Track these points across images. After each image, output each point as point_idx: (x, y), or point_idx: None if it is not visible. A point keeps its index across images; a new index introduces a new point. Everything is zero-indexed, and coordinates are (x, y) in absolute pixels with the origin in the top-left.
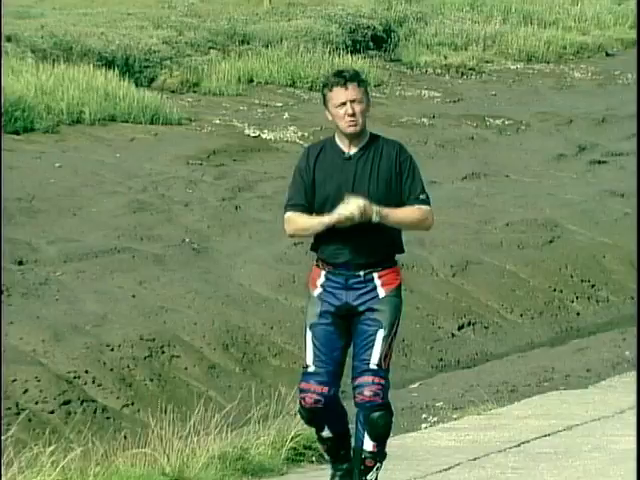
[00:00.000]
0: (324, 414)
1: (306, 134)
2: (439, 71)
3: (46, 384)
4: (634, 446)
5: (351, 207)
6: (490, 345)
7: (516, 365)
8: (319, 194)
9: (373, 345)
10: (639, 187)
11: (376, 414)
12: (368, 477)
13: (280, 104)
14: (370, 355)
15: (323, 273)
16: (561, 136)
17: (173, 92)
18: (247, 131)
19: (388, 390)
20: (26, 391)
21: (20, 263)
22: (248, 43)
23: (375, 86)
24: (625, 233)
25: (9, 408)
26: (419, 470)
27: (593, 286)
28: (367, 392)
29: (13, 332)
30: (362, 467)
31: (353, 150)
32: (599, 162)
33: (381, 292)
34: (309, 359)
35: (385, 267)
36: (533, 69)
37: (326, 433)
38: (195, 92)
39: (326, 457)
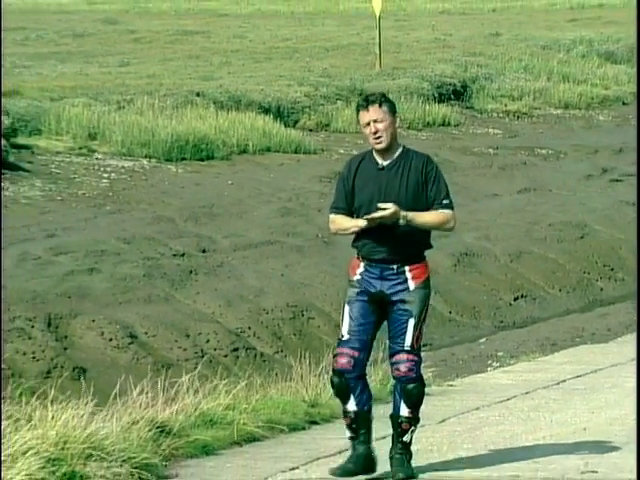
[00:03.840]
0: (353, 378)
1: None
2: (501, 115)
3: (221, 336)
4: None
5: (381, 212)
6: (537, 311)
7: (556, 326)
8: (358, 199)
9: (405, 332)
10: (638, 198)
11: (411, 386)
12: (404, 438)
13: None
14: (404, 339)
15: (362, 264)
16: (589, 162)
17: (311, 130)
18: None
19: (420, 365)
20: (208, 341)
21: (204, 251)
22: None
23: (455, 126)
24: (635, 232)
25: (196, 352)
26: (485, 400)
27: (612, 269)
28: (403, 368)
29: (199, 300)
30: (399, 430)
31: (386, 162)
32: (617, 180)
33: (411, 285)
34: (344, 330)
35: (415, 262)
36: (569, 114)
37: (351, 406)
38: (326, 130)
39: (347, 434)
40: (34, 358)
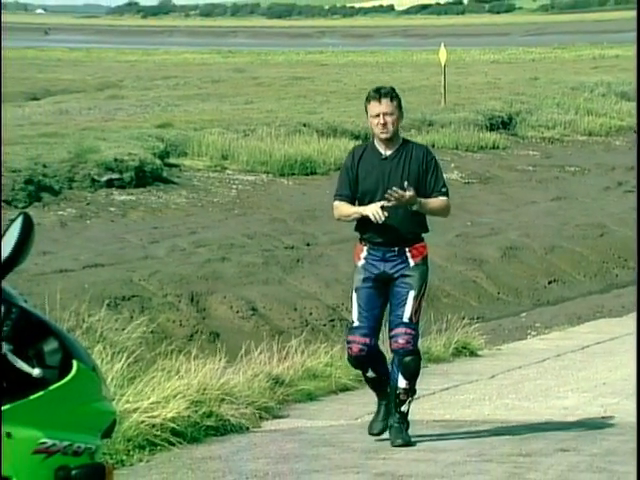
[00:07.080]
0: (367, 360)
1: (464, 175)
2: (538, 140)
3: (321, 310)
4: None
5: (402, 192)
6: (566, 293)
7: (581, 304)
8: (362, 187)
9: (405, 303)
10: (638, 205)
11: (408, 358)
12: (402, 408)
13: (449, 159)
14: (403, 312)
15: (365, 248)
16: (608, 177)
17: None
18: None
19: (418, 339)
20: (311, 314)
21: (308, 245)
22: (432, 125)
23: (502, 149)
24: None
25: (302, 322)
26: (526, 361)
27: (625, 260)
28: (401, 340)
29: (305, 282)
30: (397, 400)
31: (388, 152)
32: (630, 191)
33: (411, 262)
34: (354, 316)
35: (414, 244)
36: (592, 140)
37: (370, 374)
38: None
39: (375, 397)
40: (181, 325)
